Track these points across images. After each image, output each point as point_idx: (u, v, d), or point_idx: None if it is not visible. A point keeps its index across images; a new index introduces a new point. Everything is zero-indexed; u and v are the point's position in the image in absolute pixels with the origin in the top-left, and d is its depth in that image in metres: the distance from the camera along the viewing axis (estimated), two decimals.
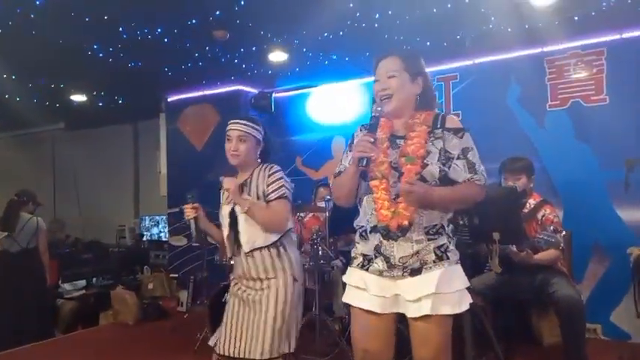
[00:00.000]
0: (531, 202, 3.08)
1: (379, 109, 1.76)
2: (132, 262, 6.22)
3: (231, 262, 3.57)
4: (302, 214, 4.51)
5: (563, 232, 2.94)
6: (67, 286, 5.28)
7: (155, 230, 6.80)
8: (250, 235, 2.18)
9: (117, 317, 4.92)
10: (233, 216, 2.23)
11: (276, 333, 2.12)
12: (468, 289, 1.77)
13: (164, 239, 6.44)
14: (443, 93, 4.65)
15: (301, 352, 3.53)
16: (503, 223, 2.58)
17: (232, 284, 2.33)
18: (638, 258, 3.36)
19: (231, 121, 2.30)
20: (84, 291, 5.34)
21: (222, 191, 2.35)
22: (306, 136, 5.44)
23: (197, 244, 4.99)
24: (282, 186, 2.22)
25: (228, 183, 2.22)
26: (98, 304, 5.19)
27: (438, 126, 1.77)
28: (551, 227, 2.89)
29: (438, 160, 1.73)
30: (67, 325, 4.94)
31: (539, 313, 3.33)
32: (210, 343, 2.32)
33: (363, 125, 1.90)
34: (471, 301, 1.77)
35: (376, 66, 1.84)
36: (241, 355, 2.15)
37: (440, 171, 1.72)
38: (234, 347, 2.17)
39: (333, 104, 5.29)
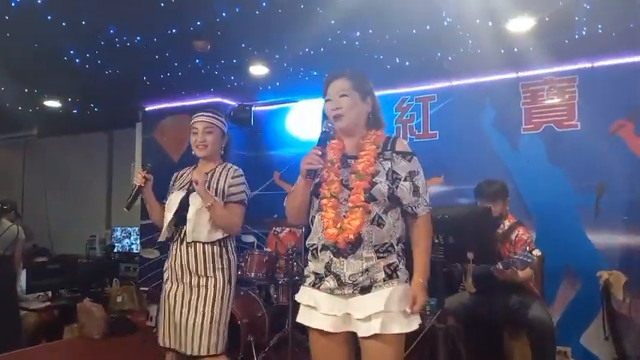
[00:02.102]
0: (506, 223, 3.12)
1: (330, 125, 1.83)
2: (101, 274, 6.05)
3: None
4: (278, 229, 4.47)
5: (538, 252, 2.97)
6: (29, 297, 5.08)
7: (127, 242, 6.64)
8: (196, 226, 2.21)
9: (82, 331, 4.74)
10: (184, 204, 2.26)
11: (213, 332, 2.19)
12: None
13: (135, 251, 6.28)
14: (421, 113, 4.71)
15: None
16: (478, 243, 2.60)
17: (165, 277, 2.33)
18: (607, 282, 3.43)
19: (196, 114, 2.38)
20: (49, 302, 5.15)
21: (175, 178, 2.44)
22: (285, 150, 5.42)
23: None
24: (243, 191, 2.31)
25: (198, 175, 2.23)
26: (63, 317, 5.01)
27: (388, 148, 1.82)
28: (527, 248, 2.92)
29: (386, 180, 1.76)
30: (29, 337, 4.74)
31: (510, 334, 3.34)
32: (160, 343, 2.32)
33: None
34: (420, 321, 1.78)
35: (327, 86, 1.89)
36: (187, 352, 2.20)
37: (388, 189, 1.75)
38: (177, 342, 2.22)
39: (312, 120, 5.28)
